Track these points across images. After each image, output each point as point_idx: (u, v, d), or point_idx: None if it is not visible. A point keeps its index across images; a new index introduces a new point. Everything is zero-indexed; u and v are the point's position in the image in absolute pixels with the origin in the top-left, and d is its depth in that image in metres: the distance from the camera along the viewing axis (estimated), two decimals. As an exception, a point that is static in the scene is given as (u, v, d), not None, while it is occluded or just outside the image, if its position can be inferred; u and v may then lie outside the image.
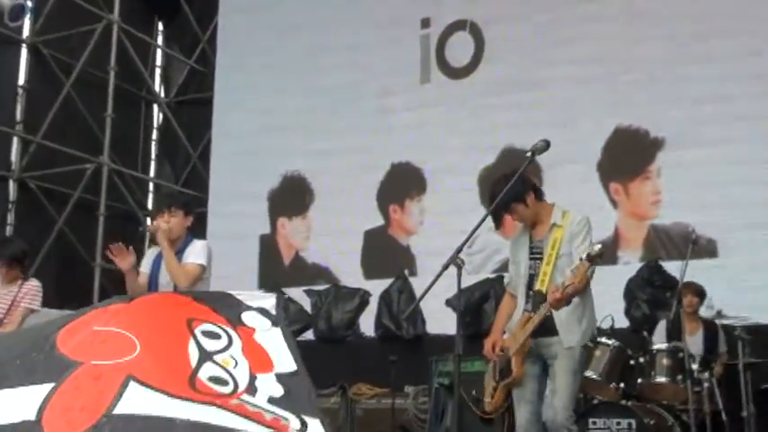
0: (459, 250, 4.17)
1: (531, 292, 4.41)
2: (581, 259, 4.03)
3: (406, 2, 10.07)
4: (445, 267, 4.16)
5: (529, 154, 4.22)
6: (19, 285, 5.85)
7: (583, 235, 4.34)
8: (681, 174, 8.29)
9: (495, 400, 4.51)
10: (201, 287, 4.73)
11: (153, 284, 4.76)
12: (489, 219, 8.42)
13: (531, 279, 4.45)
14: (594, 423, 5.63)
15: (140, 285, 4.75)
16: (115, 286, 9.87)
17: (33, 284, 5.91)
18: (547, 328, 4.26)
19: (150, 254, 4.93)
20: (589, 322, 4.42)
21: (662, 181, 8.40)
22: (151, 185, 11.79)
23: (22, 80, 9.82)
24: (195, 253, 4.75)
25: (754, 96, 8.07)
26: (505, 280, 4.81)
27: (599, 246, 4.06)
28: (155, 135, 11.94)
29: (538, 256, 4.44)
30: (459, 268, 4.16)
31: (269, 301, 3.34)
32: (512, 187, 4.29)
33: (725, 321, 6.58)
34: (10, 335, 2.98)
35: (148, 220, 11.39)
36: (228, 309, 3.20)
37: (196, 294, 2.71)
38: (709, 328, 6.62)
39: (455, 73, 9.71)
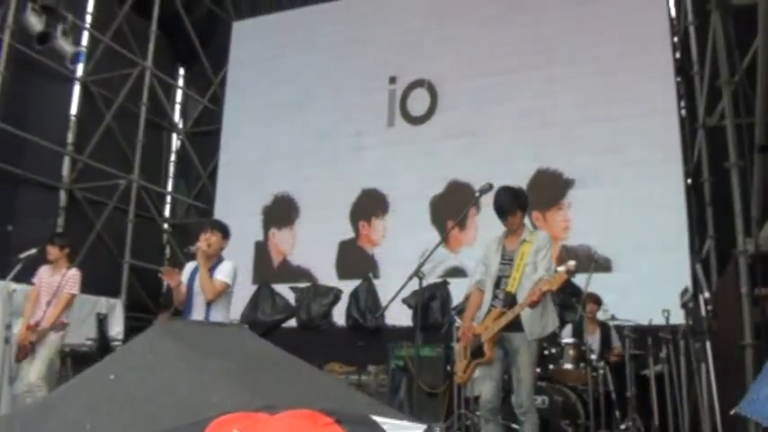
0: (422, 265, 4.36)
1: (498, 291, 4.46)
2: (557, 270, 4.12)
3: (378, 62, 10.13)
4: (410, 278, 4.34)
5: (477, 193, 4.39)
6: (63, 274, 5.87)
7: (545, 249, 4.45)
8: (585, 207, 8.47)
9: (467, 374, 4.57)
10: (224, 298, 4.87)
11: (190, 292, 4.84)
12: (438, 235, 8.66)
13: (499, 280, 4.49)
14: (516, 399, 5.74)
15: (182, 294, 4.83)
16: (139, 279, 9.90)
17: (74, 272, 5.93)
18: (513, 324, 4.32)
19: (189, 268, 4.97)
20: (549, 321, 4.48)
21: (571, 211, 8.56)
22: (168, 198, 11.71)
23: (74, 110, 9.74)
24: (224, 272, 4.83)
25: (641, 149, 8.30)
26: (477, 278, 4.75)
27: (574, 262, 4.17)
28: (173, 158, 11.85)
29: (508, 262, 4.51)
30: (420, 279, 4.35)
31: None
32: (523, 197, 4.55)
33: (617, 323, 6.69)
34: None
35: (166, 226, 11.40)
36: None
37: (340, 416, 2.25)
38: (605, 329, 6.79)
39: (414, 120, 9.79)
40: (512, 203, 4.49)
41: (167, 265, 10.87)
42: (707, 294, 4.32)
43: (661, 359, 6.01)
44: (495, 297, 4.50)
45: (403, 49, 10.03)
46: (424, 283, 4.63)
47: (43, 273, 6.02)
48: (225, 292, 4.83)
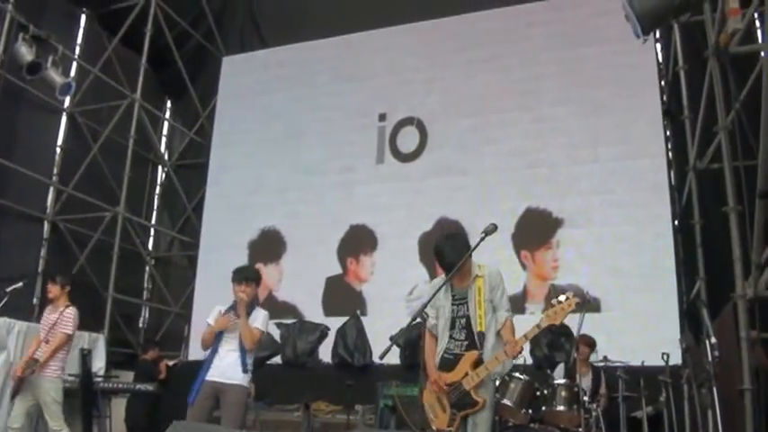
0: (425, 306, 4.23)
1: (453, 332, 4.26)
2: (559, 302, 3.99)
3: (368, 99, 10.13)
4: (413, 319, 4.22)
5: (483, 234, 4.27)
6: (60, 312, 5.75)
7: (501, 288, 4.29)
8: (574, 246, 8.47)
9: (456, 426, 4.17)
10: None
11: (219, 335, 4.91)
12: (426, 273, 8.55)
13: (454, 321, 4.28)
14: (508, 441, 5.55)
15: (212, 335, 4.89)
16: (121, 314, 9.66)
17: (69, 311, 5.82)
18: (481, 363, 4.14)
19: (216, 311, 5.02)
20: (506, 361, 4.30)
21: (560, 251, 8.54)
22: (152, 231, 11.53)
23: (60, 141, 9.66)
24: (259, 321, 4.97)
25: (628, 190, 8.37)
26: (431, 322, 4.41)
27: (572, 293, 4.07)
28: (158, 190, 11.72)
29: (461, 301, 4.30)
30: (424, 320, 4.24)
31: None
32: (463, 239, 4.38)
33: (609, 364, 6.64)
34: None
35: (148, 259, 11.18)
36: None
37: None
38: (596, 372, 6.77)
39: (404, 157, 9.77)
40: (459, 254, 4.24)
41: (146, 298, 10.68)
42: (713, 339, 4.29)
43: (660, 402, 5.94)
44: (450, 339, 4.28)
45: (393, 86, 10.07)
46: (408, 320, 4.43)
47: (46, 311, 5.94)
48: (261, 339, 5.00)
